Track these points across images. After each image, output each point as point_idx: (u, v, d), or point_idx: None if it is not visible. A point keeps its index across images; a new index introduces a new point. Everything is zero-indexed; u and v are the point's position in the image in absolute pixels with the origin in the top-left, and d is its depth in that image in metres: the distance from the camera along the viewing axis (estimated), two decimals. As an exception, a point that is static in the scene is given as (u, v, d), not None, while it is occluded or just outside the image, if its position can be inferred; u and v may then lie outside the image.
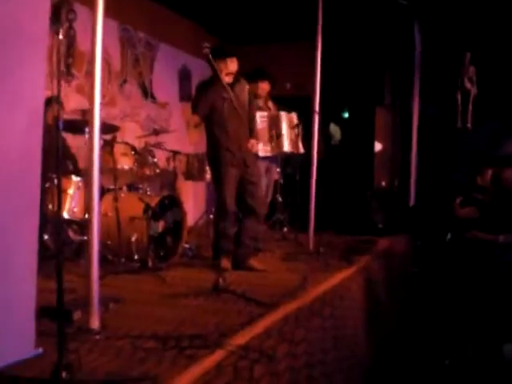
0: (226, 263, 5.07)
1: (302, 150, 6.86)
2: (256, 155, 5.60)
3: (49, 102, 4.02)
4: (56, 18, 2.72)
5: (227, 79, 5.05)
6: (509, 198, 5.31)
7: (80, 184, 5.05)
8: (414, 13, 8.63)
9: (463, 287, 5.58)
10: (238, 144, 5.12)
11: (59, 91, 2.68)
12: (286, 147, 6.53)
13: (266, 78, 6.37)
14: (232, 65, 5.08)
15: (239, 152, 5.12)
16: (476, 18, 8.46)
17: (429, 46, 9.37)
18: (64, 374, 2.32)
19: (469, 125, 8.99)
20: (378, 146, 9.46)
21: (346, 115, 10.05)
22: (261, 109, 6.25)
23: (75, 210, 5.03)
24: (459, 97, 9.08)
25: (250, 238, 5.23)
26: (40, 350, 2.73)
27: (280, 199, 7.22)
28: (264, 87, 6.35)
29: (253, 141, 5.29)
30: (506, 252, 5.23)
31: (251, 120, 5.39)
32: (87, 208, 4.39)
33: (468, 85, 9.01)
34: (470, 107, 9.09)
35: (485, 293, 5.32)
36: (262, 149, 6.23)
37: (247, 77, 6.30)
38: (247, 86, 5.37)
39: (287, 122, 6.52)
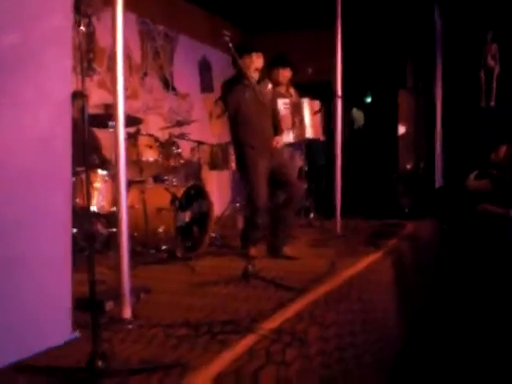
0: (254, 251, 5.07)
1: (322, 137, 6.82)
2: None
3: (73, 96, 4.05)
4: (77, 10, 2.75)
5: (254, 76, 5.02)
6: None
7: (106, 177, 5.10)
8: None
9: (477, 261, 5.57)
10: (264, 142, 5.07)
11: (83, 85, 2.71)
12: (309, 133, 6.50)
13: (288, 65, 6.33)
14: (258, 60, 5.01)
15: (265, 149, 5.06)
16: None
17: (450, 26, 9.28)
18: (99, 363, 2.36)
19: (492, 103, 8.90)
20: (401, 129, 9.40)
21: (369, 100, 9.99)
22: (283, 96, 6.22)
23: (102, 203, 5.07)
24: (483, 75, 9.00)
25: (286, 226, 5.21)
26: (77, 333, 2.80)
27: (305, 186, 7.21)
28: (285, 74, 6.31)
29: (277, 138, 5.23)
30: None
31: (275, 117, 5.35)
32: (114, 201, 4.46)
33: (491, 62, 8.94)
34: (494, 85, 9.01)
35: (496, 266, 5.30)
36: (285, 136, 6.22)
37: (268, 64, 6.31)
38: (270, 85, 5.34)
39: (309, 108, 6.49)
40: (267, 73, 6.12)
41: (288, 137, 6.09)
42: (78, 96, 4.76)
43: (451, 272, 6.77)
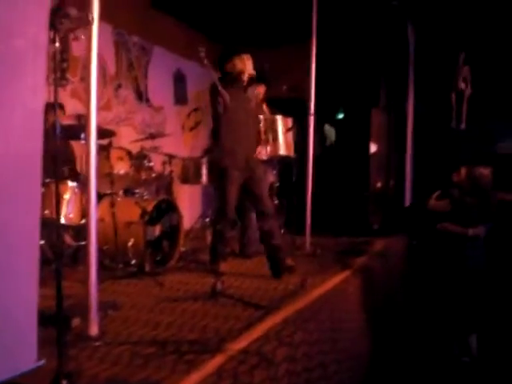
0: (222, 266, 5.04)
1: (293, 154, 6.83)
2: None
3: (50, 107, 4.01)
4: (52, 25, 2.73)
5: (238, 81, 5.01)
6: (479, 193, 5.41)
7: (76, 189, 5.04)
8: (407, 13, 8.66)
9: (436, 278, 5.68)
10: (244, 148, 5.04)
11: (56, 97, 2.68)
12: (282, 150, 6.51)
13: (262, 81, 6.35)
14: (241, 63, 4.98)
15: (243, 156, 5.02)
16: (470, 17, 8.49)
17: (423, 46, 9.40)
18: (64, 383, 2.32)
19: (463, 124, 9.02)
20: (373, 148, 9.47)
21: (341, 116, 10.06)
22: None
23: (71, 215, 5.01)
24: (454, 97, 9.11)
25: (275, 239, 5.11)
26: (42, 361, 2.73)
27: (276, 201, 7.21)
28: (260, 90, 6.31)
29: (260, 147, 5.28)
30: (475, 246, 5.33)
31: (258, 124, 5.36)
32: (84, 213, 4.41)
33: (462, 85, 9.05)
34: (465, 107, 9.12)
35: (453, 285, 5.42)
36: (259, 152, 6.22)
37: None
38: (257, 89, 5.38)
39: (283, 125, 6.50)
40: None
41: (261, 153, 6.09)
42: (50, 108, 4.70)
43: (417, 288, 6.85)
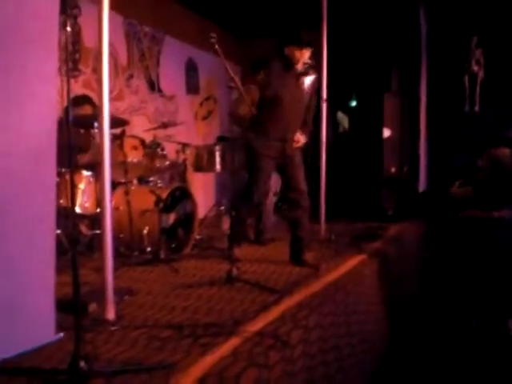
0: (239, 252, 5.04)
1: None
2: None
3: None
4: (62, 10, 2.75)
5: (300, 68, 4.91)
6: (501, 174, 5.33)
7: (91, 178, 5.08)
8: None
9: (464, 266, 5.62)
10: (283, 136, 4.92)
11: (69, 88, 2.70)
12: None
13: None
14: (298, 54, 4.83)
15: (282, 144, 4.93)
16: (482, 0, 8.43)
17: (435, 30, 9.34)
18: (82, 364, 2.36)
19: (476, 108, 8.97)
20: (386, 133, 9.44)
21: (354, 103, 10.04)
22: None
23: (86, 204, 5.06)
24: (467, 80, 9.07)
25: (301, 231, 5.09)
26: (61, 334, 2.80)
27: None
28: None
29: (300, 136, 5.00)
30: (502, 228, 5.25)
31: (308, 112, 5.14)
32: (99, 202, 4.45)
33: (475, 68, 9.00)
34: (478, 90, 9.08)
35: (484, 269, 5.36)
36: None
37: (251, 66, 6.29)
38: (314, 77, 5.09)
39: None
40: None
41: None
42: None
43: (436, 275, 6.83)
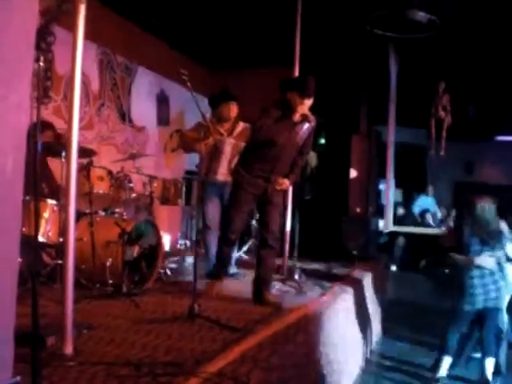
0: (211, 287, 5.03)
1: None
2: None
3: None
4: (36, 44, 2.74)
5: (297, 118, 4.88)
6: (481, 223, 5.42)
7: (55, 207, 5.03)
8: (390, 41, 8.79)
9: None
10: (269, 176, 4.94)
11: (39, 115, 2.69)
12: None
13: (234, 99, 6.24)
14: (298, 104, 4.79)
15: (265, 183, 4.95)
16: (450, 47, 8.65)
17: (404, 73, 9.54)
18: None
19: (442, 152, 9.15)
20: (353, 173, 9.56)
21: (323, 141, 10.14)
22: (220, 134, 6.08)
23: (50, 233, 5.00)
24: (433, 124, 9.26)
25: (266, 270, 5.06)
26: (18, 378, 2.70)
27: (255, 225, 7.24)
28: (234, 109, 6.22)
29: (284, 180, 5.03)
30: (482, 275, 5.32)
31: (299, 156, 5.13)
32: (62, 232, 4.40)
33: (442, 113, 9.20)
34: (444, 135, 9.27)
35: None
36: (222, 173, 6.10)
37: (213, 99, 6.29)
38: (312, 124, 5.00)
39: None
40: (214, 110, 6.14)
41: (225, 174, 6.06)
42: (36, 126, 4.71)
43: (400, 315, 6.88)
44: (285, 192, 5.64)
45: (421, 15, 7.29)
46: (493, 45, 8.42)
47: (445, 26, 7.45)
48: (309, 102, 4.85)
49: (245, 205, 5.00)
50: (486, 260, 5.27)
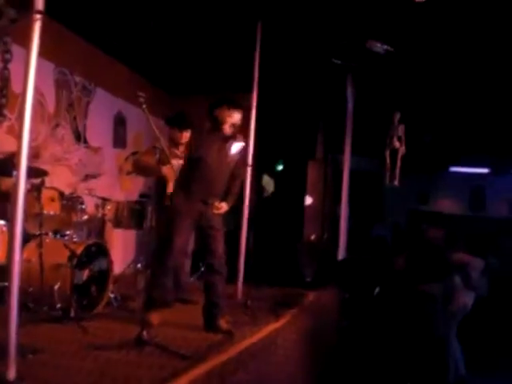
0: (155, 318, 4.78)
1: None
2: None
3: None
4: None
5: (222, 131, 4.90)
6: (433, 253, 5.50)
7: (4, 228, 4.90)
8: (348, 70, 8.92)
9: (388, 336, 5.71)
10: (205, 198, 4.90)
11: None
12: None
13: (189, 126, 6.21)
14: (226, 117, 4.88)
15: (203, 206, 4.90)
16: (406, 78, 8.82)
17: (361, 102, 9.68)
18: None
19: (396, 182, 9.25)
20: (308, 200, 9.61)
21: (280, 167, 10.19)
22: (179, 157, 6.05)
23: (-2, 254, 4.87)
24: (388, 154, 9.38)
25: (215, 296, 4.97)
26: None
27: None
28: (186, 135, 6.18)
29: (222, 204, 5.04)
30: (433, 303, 5.38)
31: (233, 179, 5.16)
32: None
33: (397, 143, 9.33)
34: (398, 165, 9.39)
35: (412, 340, 5.45)
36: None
37: (168, 121, 6.27)
38: (242, 145, 5.09)
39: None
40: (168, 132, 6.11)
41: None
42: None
43: (354, 344, 6.89)
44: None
45: (378, 46, 7.43)
46: (449, 77, 8.61)
47: (401, 56, 7.61)
48: (237, 116, 4.93)
49: (183, 231, 4.87)
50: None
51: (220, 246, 5.00)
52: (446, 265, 5.46)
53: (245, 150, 5.27)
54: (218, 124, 4.91)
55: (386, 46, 7.46)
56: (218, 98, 5.03)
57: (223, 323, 4.95)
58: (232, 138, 4.99)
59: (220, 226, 5.08)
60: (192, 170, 4.92)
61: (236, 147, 5.04)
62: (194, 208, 4.88)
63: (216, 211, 5.01)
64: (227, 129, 4.91)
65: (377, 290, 9.09)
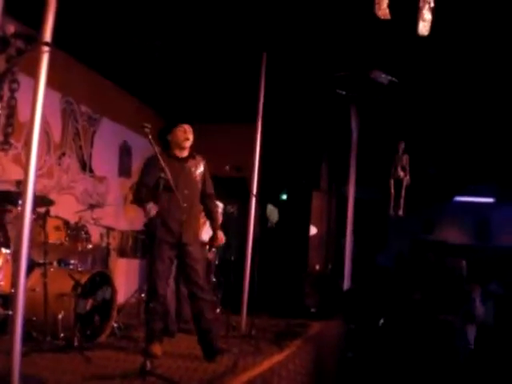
0: (156, 348, 4.76)
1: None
2: (201, 242, 5.52)
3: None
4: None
5: (179, 152, 4.97)
6: (454, 282, 5.49)
7: (8, 257, 4.91)
8: (352, 101, 8.97)
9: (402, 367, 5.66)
10: (179, 222, 4.83)
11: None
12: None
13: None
14: (180, 133, 4.95)
15: (178, 230, 4.84)
16: (410, 108, 8.87)
17: (365, 133, 9.72)
18: None
19: (400, 212, 9.24)
20: (313, 230, 9.59)
21: (284, 197, 10.20)
22: None
23: (1, 283, 4.86)
24: (392, 184, 9.38)
25: (206, 323, 4.90)
26: None
27: (214, 279, 7.16)
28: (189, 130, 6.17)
29: (219, 234, 5.17)
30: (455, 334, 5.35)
31: (208, 200, 5.22)
32: (14, 282, 4.28)
33: (401, 173, 9.34)
34: (403, 194, 9.38)
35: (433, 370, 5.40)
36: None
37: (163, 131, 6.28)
38: (203, 163, 5.17)
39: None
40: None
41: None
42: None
43: (359, 376, 6.83)
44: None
45: (382, 76, 7.49)
46: (452, 106, 8.66)
47: (405, 87, 7.67)
48: (189, 129, 5.01)
49: (164, 257, 4.81)
50: None
51: (200, 276, 4.95)
52: (466, 294, 5.44)
53: (207, 166, 5.28)
54: (172, 148, 4.98)
55: (389, 77, 7.51)
56: (165, 126, 5.08)
57: (221, 344, 5.00)
58: (190, 157, 5.07)
59: (200, 256, 5.08)
60: (162, 198, 4.77)
61: (199, 165, 5.13)
62: (169, 233, 4.84)
63: (216, 244, 5.13)
64: (185, 146, 4.99)
65: (381, 320, 9.04)
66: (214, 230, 5.25)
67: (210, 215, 5.28)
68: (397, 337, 6.24)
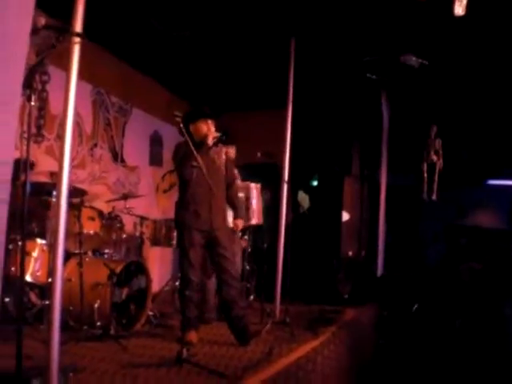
0: (192, 336, 4.80)
1: (261, 221, 6.73)
2: (233, 230, 5.54)
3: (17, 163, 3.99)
4: (29, 83, 2.75)
5: (209, 141, 4.95)
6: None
7: (44, 247, 4.98)
8: (382, 85, 8.88)
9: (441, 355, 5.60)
10: (208, 210, 4.90)
11: (28, 153, 2.67)
12: (254, 220, 6.50)
13: (233, 144, 6.28)
14: (205, 127, 4.97)
15: (207, 218, 4.90)
16: (442, 92, 8.74)
17: (396, 117, 9.61)
18: None
19: (434, 197, 9.14)
20: (345, 216, 9.53)
21: (315, 183, 10.15)
22: None
23: (38, 273, 4.95)
24: (425, 168, 9.28)
25: (238, 309, 4.96)
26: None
27: (247, 267, 7.17)
28: (230, 152, 6.22)
29: (238, 221, 5.29)
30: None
31: (230, 189, 5.28)
32: (50, 272, 4.34)
33: (434, 157, 9.23)
34: (436, 179, 9.28)
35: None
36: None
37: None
38: (224, 150, 5.23)
39: (256, 193, 6.52)
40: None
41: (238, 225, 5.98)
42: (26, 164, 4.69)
43: (391, 363, 6.79)
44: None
45: (413, 60, 7.39)
46: (485, 89, 8.51)
47: (436, 69, 7.55)
48: (205, 125, 4.99)
49: (196, 245, 4.88)
50: None
51: (230, 263, 5.02)
52: None
53: (233, 152, 5.48)
54: (197, 139, 4.94)
55: (420, 60, 7.41)
56: (190, 114, 5.05)
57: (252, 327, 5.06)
58: (215, 146, 5.07)
59: (229, 244, 5.11)
60: (188, 188, 4.93)
61: (222, 153, 5.18)
62: (200, 220, 4.90)
63: (236, 229, 5.22)
64: (210, 140, 4.95)
65: (415, 306, 8.98)
66: (235, 217, 5.38)
67: (232, 203, 5.36)
68: (443, 323, 6.17)
